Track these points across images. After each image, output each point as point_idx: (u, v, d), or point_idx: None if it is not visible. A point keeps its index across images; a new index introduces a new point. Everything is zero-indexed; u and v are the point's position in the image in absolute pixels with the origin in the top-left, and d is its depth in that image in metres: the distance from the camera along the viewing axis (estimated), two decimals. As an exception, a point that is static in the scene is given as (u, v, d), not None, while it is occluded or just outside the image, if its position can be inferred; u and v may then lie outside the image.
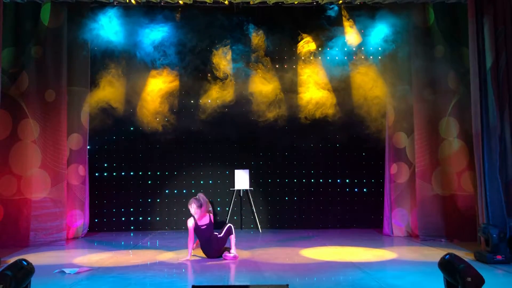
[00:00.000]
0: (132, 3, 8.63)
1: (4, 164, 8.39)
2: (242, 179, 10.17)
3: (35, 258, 6.76)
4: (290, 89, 10.24)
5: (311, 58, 10.07)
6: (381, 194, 9.96)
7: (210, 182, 10.60)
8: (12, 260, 5.85)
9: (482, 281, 4.11)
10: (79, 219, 9.37)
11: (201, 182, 10.58)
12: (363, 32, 9.63)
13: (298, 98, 10.21)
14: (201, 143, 10.56)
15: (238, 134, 10.47)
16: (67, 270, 6.34)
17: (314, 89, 10.06)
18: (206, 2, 8.56)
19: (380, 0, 8.49)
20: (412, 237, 9.17)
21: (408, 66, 9.18)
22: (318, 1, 8.64)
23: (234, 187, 10.24)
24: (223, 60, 9.98)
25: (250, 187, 10.24)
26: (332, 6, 9.24)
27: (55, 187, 8.64)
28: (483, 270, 4.89)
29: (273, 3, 8.74)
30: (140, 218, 10.45)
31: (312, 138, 10.59)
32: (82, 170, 9.38)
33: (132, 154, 10.47)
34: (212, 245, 7.18)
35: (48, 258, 7.35)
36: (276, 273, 6.35)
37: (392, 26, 9.14)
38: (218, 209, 10.55)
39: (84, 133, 9.44)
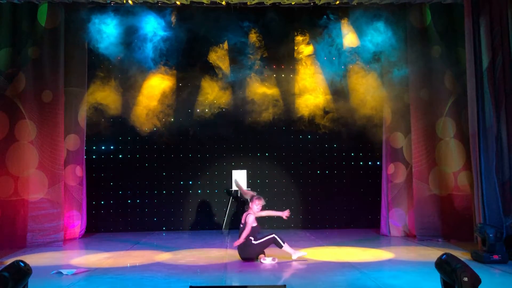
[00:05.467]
0: (129, 3, 8.62)
1: (1, 165, 8.36)
2: (239, 180, 10.13)
3: (32, 259, 6.77)
4: (288, 89, 10.28)
5: (309, 58, 10.09)
6: (378, 194, 9.98)
7: (208, 182, 10.61)
8: (9, 261, 5.83)
9: (478, 280, 4.13)
10: (77, 220, 9.35)
11: (199, 182, 10.58)
12: (360, 32, 9.63)
13: (296, 98, 10.25)
14: (198, 143, 10.56)
15: (235, 135, 10.49)
16: (64, 271, 6.33)
17: (311, 90, 10.09)
18: (203, 3, 8.55)
19: (377, 1, 8.49)
20: (409, 237, 9.18)
21: (405, 66, 9.19)
22: (315, 2, 8.64)
23: (231, 188, 10.23)
24: (220, 61, 9.99)
25: (247, 187, 10.22)
26: (329, 6, 9.25)
27: (52, 188, 8.63)
28: (479, 269, 4.93)
29: (270, 4, 8.74)
30: (138, 219, 10.44)
31: (309, 138, 10.61)
32: (79, 170, 9.37)
33: (129, 155, 10.46)
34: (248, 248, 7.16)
35: (46, 259, 7.34)
36: (273, 273, 6.36)
37: (389, 27, 9.15)
38: (216, 209, 10.56)
39: (81, 133, 9.42)
